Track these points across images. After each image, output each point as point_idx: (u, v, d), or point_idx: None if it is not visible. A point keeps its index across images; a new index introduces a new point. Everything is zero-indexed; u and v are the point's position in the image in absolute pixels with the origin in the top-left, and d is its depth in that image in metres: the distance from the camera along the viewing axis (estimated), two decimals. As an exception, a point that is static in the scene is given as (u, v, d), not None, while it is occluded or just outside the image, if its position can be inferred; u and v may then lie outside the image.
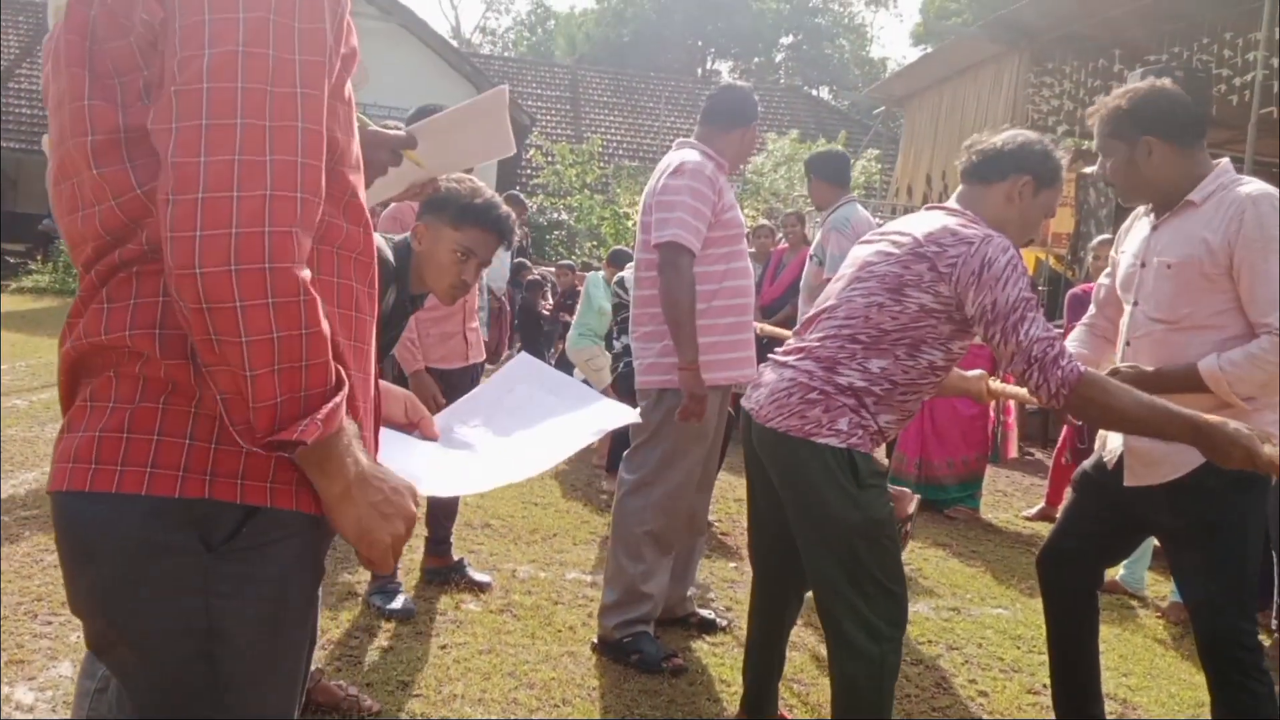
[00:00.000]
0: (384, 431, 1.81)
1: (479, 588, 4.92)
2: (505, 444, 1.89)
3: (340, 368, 1.35)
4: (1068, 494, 3.72)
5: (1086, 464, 3.64)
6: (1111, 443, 3.42)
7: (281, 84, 1.26)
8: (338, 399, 1.32)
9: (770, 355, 3.34)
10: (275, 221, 1.24)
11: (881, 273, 3.06)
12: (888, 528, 3.10)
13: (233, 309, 1.22)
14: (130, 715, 1.47)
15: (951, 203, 3.25)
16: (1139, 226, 3.44)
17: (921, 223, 3.13)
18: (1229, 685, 3.14)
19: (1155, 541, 5.59)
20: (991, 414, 7.50)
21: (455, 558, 5.03)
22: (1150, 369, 3.18)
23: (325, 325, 1.31)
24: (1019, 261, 2.95)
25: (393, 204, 4.97)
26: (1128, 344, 3.34)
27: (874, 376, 3.02)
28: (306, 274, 1.28)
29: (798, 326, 3.37)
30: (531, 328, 11.18)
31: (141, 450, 1.34)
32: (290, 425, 1.28)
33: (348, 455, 1.36)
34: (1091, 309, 3.69)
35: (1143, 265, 3.30)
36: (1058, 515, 6.76)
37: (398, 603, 4.54)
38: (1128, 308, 3.36)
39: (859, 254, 3.24)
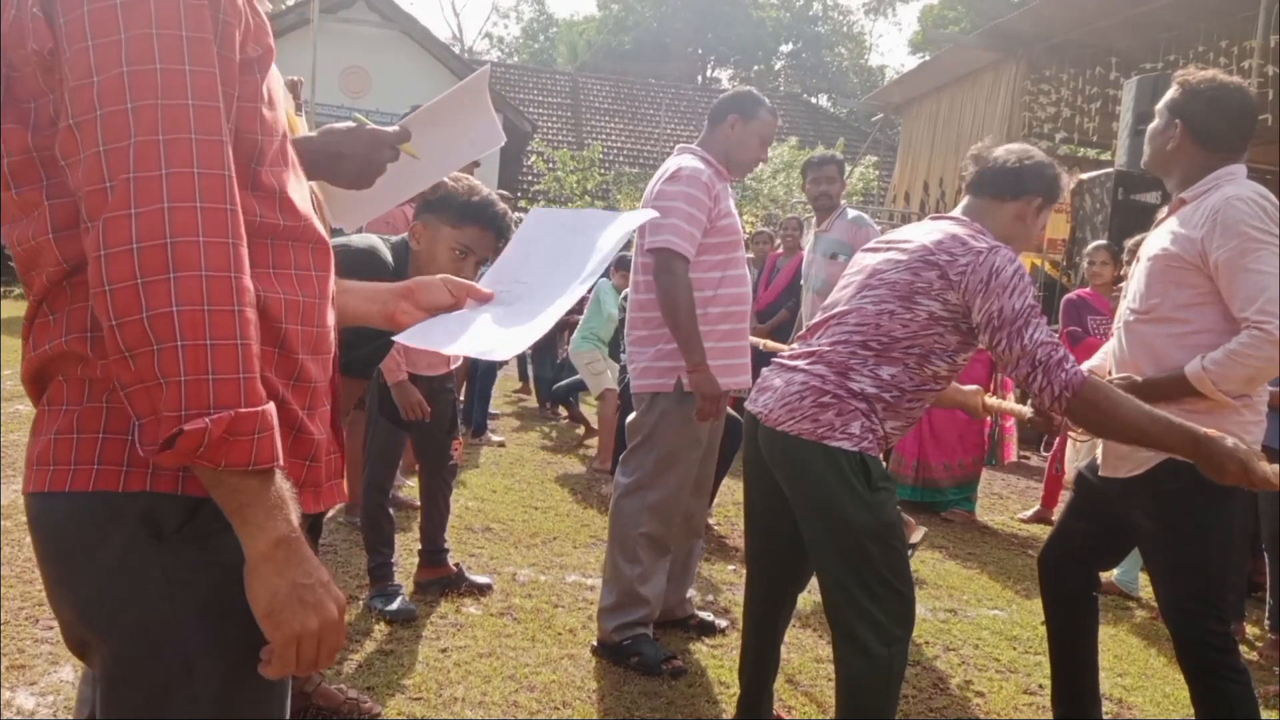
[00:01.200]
0: (438, 319, 1.89)
1: (479, 590, 4.93)
2: (556, 281, 1.90)
3: (273, 405, 1.33)
4: (1066, 495, 3.76)
5: (1082, 465, 3.68)
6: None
7: (172, 97, 1.28)
8: (242, 412, 1.28)
9: (775, 359, 3.34)
10: (175, 233, 1.25)
11: (891, 280, 3.08)
12: (897, 530, 3.12)
13: (139, 320, 1.24)
14: (105, 715, 1.46)
15: (958, 213, 3.28)
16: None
17: (930, 232, 3.16)
18: (1204, 686, 3.19)
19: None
20: (988, 418, 7.53)
21: (453, 565, 5.02)
22: (1140, 379, 3.23)
23: (250, 344, 1.30)
24: (1025, 273, 2.99)
25: None
26: (1117, 336, 3.44)
27: (884, 383, 3.05)
28: (243, 280, 1.29)
29: (803, 331, 3.38)
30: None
31: (89, 449, 1.37)
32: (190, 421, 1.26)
33: (277, 511, 1.32)
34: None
35: (1137, 260, 3.39)
36: (1053, 517, 6.79)
37: (397, 604, 4.54)
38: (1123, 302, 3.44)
39: (866, 261, 3.27)
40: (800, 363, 3.18)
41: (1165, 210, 3.46)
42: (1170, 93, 3.33)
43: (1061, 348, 2.91)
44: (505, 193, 11.54)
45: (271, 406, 1.33)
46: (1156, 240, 3.29)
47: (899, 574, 3.11)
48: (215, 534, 1.39)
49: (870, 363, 3.05)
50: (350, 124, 2.23)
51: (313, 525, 3.45)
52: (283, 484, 1.34)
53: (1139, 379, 3.23)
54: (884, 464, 3.14)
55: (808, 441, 3.05)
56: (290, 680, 1.54)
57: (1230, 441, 2.75)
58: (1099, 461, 3.47)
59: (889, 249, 3.22)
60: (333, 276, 1.62)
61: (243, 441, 1.28)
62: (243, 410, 1.28)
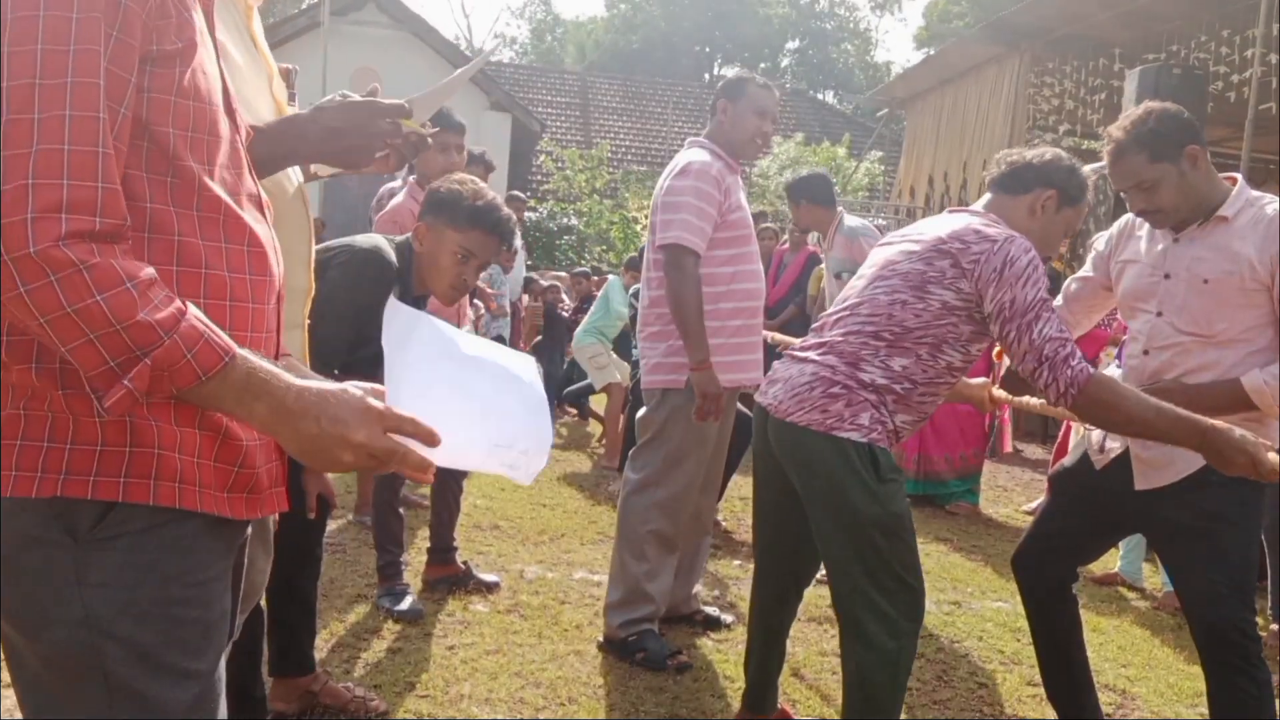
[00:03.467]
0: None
1: (487, 588, 4.96)
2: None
3: (183, 314, 1.35)
4: (1045, 494, 3.75)
5: (1066, 462, 3.68)
6: (1108, 444, 3.44)
7: (51, 76, 1.29)
8: (160, 353, 1.32)
9: (786, 351, 3.36)
10: (37, 208, 1.27)
11: (905, 270, 3.09)
12: (906, 521, 3.13)
13: (18, 295, 1.27)
14: (28, 715, 1.49)
15: (976, 207, 3.30)
16: (1141, 235, 3.46)
17: (945, 224, 3.18)
18: (1230, 675, 3.14)
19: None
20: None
21: (461, 563, 5.05)
22: (1192, 385, 3.19)
23: (135, 285, 1.32)
24: (1039, 264, 3.00)
25: (390, 206, 5.03)
26: (1145, 352, 3.34)
27: (895, 375, 3.05)
28: (84, 253, 1.30)
29: (816, 324, 3.38)
30: (553, 326, 11.41)
31: (8, 455, 1.39)
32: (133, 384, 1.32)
33: (249, 392, 1.38)
34: (1059, 300, 3.70)
35: (1166, 277, 3.29)
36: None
37: (405, 604, 4.57)
38: (1146, 316, 3.35)
39: (881, 254, 3.28)
40: (811, 354, 3.18)
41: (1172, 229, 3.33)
42: (1148, 153, 3.19)
43: (1070, 343, 2.93)
44: (519, 194, 11.59)
45: (190, 313, 1.36)
46: (1206, 261, 3.20)
47: (908, 566, 3.12)
48: (124, 536, 1.42)
49: (882, 353, 3.05)
50: (340, 97, 2.21)
51: (313, 526, 3.47)
52: (243, 365, 1.38)
53: (1190, 384, 3.20)
54: (893, 455, 3.13)
55: (816, 432, 3.05)
56: (221, 679, 1.56)
57: (1238, 433, 2.76)
58: (1100, 463, 3.45)
59: (903, 241, 3.24)
60: (274, 280, 1.62)
61: (182, 367, 1.34)
62: (160, 348, 1.32)
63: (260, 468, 1.56)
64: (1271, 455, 2.74)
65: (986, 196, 3.32)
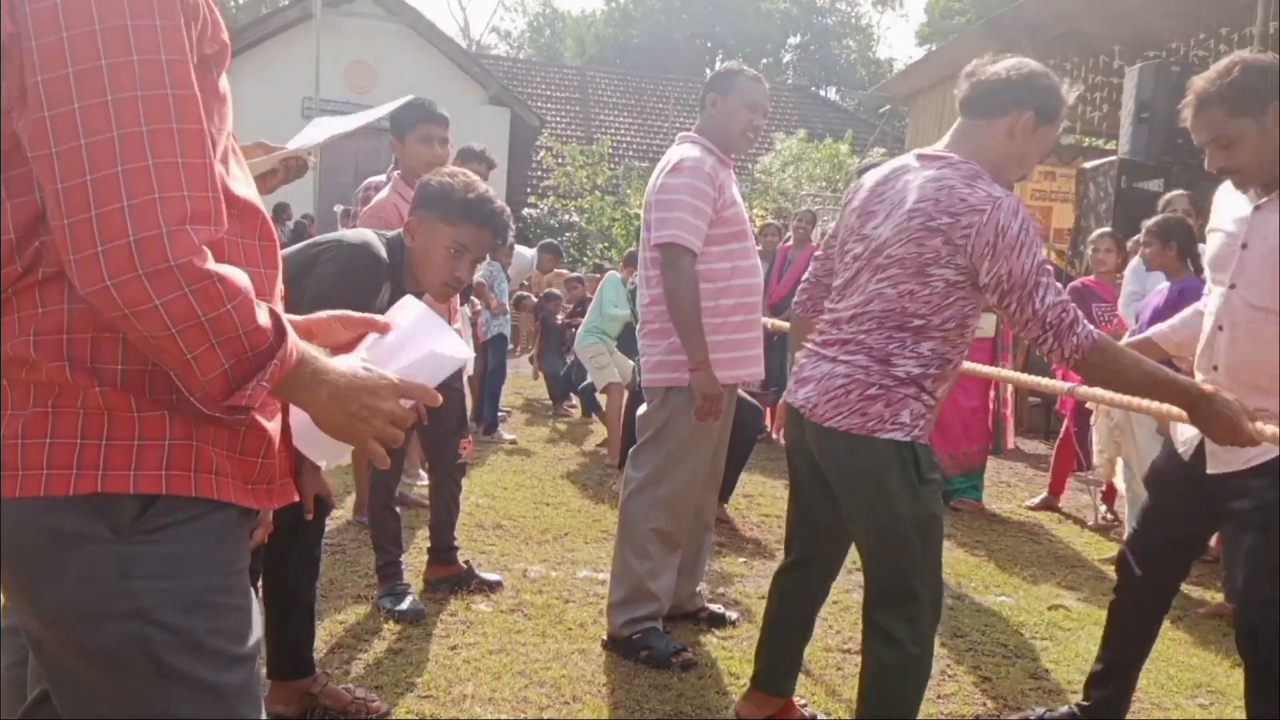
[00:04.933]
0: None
1: (489, 588, 4.95)
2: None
3: (277, 315, 1.43)
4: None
5: (1158, 460, 3.62)
6: (1184, 434, 3.39)
7: (151, 87, 1.30)
8: (281, 354, 1.41)
9: (808, 345, 3.30)
10: (168, 221, 1.29)
11: (900, 256, 3.00)
12: (939, 523, 3.14)
13: (154, 308, 1.29)
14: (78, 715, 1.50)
15: (943, 147, 3.15)
16: (1234, 200, 3.26)
17: (923, 187, 3.02)
18: (1274, 673, 3.06)
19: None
20: (991, 406, 7.55)
21: (462, 562, 5.02)
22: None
23: (248, 291, 1.38)
24: (1031, 223, 2.90)
25: (374, 201, 4.98)
26: (1219, 328, 3.22)
27: (929, 359, 3.03)
28: (212, 263, 1.34)
29: (829, 314, 3.29)
30: (549, 334, 11.49)
31: (36, 454, 1.39)
32: (245, 383, 1.38)
33: (315, 380, 1.48)
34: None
35: (1244, 247, 3.14)
36: (1060, 505, 6.78)
37: (405, 604, 4.55)
38: (1219, 289, 3.24)
39: (867, 229, 3.16)
40: (841, 353, 3.12)
41: (1254, 195, 3.16)
42: (1228, 107, 2.99)
43: (1072, 308, 2.88)
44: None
45: (278, 312, 1.45)
46: (1276, 230, 3.03)
47: (936, 568, 3.13)
48: (168, 527, 1.43)
49: (909, 343, 3.02)
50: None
51: (311, 527, 3.47)
52: (307, 360, 1.47)
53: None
54: (933, 454, 3.14)
55: (859, 436, 3.04)
56: (262, 664, 1.59)
57: (1221, 398, 2.81)
58: (1185, 453, 3.40)
59: (884, 211, 3.12)
60: (280, 275, 1.65)
61: (281, 362, 1.43)
62: (276, 360, 1.41)
63: (276, 458, 1.59)
64: (1258, 424, 2.76)
65: (958, 122, 3.17)
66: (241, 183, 1.56)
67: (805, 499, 3.46)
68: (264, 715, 1.58)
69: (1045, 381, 4.45)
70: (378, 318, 1.84)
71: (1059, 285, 2.92)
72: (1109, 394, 3.53)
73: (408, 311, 1.85)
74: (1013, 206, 2.89)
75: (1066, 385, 4.18)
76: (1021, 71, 3.07)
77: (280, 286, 1.65)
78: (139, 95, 1.29)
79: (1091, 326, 2.90)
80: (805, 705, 3.88)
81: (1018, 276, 2.87)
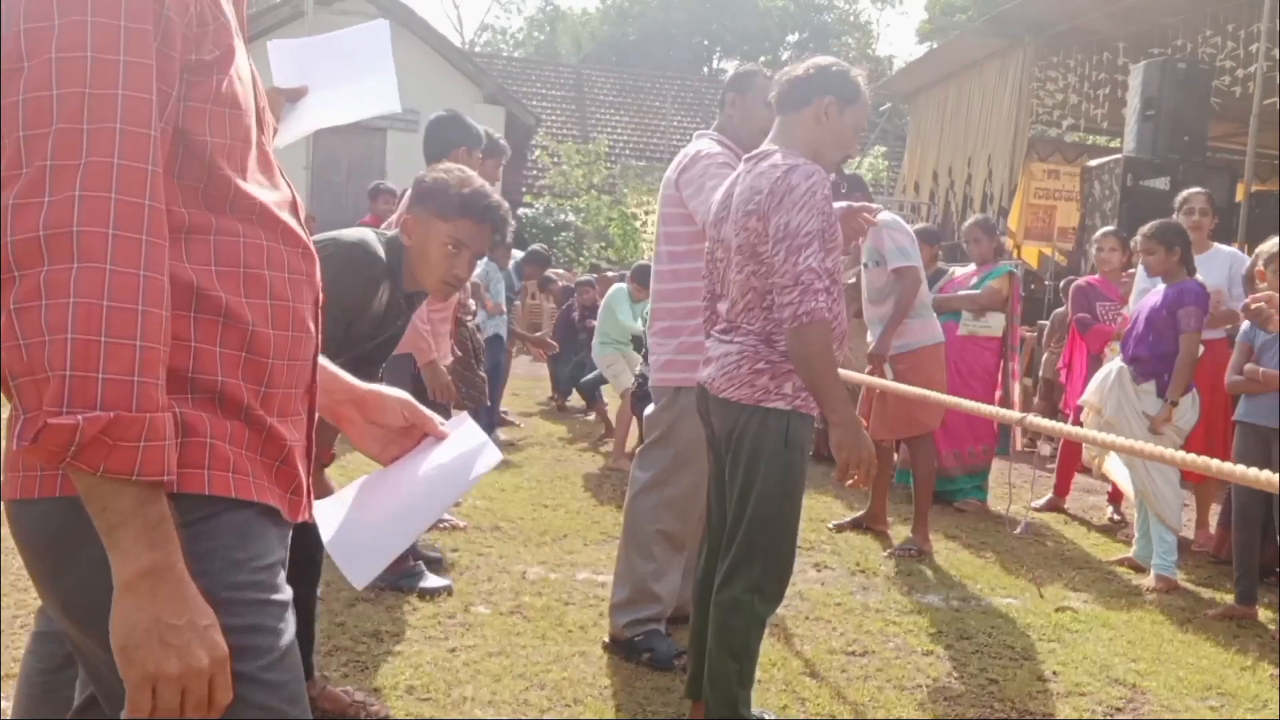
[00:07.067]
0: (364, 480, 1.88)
1: (432, 595, 4.79)
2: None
3: (170, 416, 1.29)
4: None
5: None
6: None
7: (100, 86, 1.26)
8: (156, 440, 1.26)
9: (713, 331, 3.54)
10: (84, 222, 1.23)
11: (736, 245, 3.32)
12: (799, 493, 3.36)
13: (37, 308, 1.22)
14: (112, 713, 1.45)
15: (768, 144, 3.43)
16: None
17: (749, 183, 3.31)
18: None
19: (1153, 518, 5.71)
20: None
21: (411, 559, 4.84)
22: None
23: (154, 348, 1.27)
24: (820, 191, 3.15)
25: (396, 215, 4.91)
26: None
27: None
28: (162, 280, 1.27)
29: (710, 304, 3.61)
30: (566, 332, 11.46)
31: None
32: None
33: (151, 537, 1.29)
34: None
35: None
36: (1065, 506, 6.75)
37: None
38: None
39: (717, 235, 3.50)
40: (732, 336, 3.39)
41: None
42: None
43: (823, 279, 3.10)
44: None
45: (168, 416, 1.28)
46: None
47: (790, 538, 3.38)
48: (185, 525, 1.36)
49: (777, 318, 3.22)
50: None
51: (312, 530, 3.40)
52: (165, 508, 1.29)
53: None
54: (810, 426, 3.37)
55: (746, 405, 3.29)
56: (298, 656, 1.54)
57: (855, 425, 3.16)
58: None
59: (731, 212, 3.40)
60: (315, 280, 1.60)
61: (125, 448, 1.24)
62: (125, 414, 1.23)
63: (299, 471, 1.55)
64: (860, 454, 3.13)
65: (775, 122, 3.46)
66: (267, 189, 1.53)
67: (720, 474, 3.55)
68: (307, 714, 1.52)
69: (989, 409, 4.54)
70: (438, 419, 1.88)
71: (824, 258, 3.14)
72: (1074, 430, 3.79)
73: (466, 433, 1.91)
74: (807, 172, 3.18)
75: (1018, 415, 4.27)
76: (817, 65, 3.40)
77: (314, 292, 1.60)
78: (86, 92, 1.25)
79: (824, 307, 3.09)
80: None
81: (793, 228, 3.11)
